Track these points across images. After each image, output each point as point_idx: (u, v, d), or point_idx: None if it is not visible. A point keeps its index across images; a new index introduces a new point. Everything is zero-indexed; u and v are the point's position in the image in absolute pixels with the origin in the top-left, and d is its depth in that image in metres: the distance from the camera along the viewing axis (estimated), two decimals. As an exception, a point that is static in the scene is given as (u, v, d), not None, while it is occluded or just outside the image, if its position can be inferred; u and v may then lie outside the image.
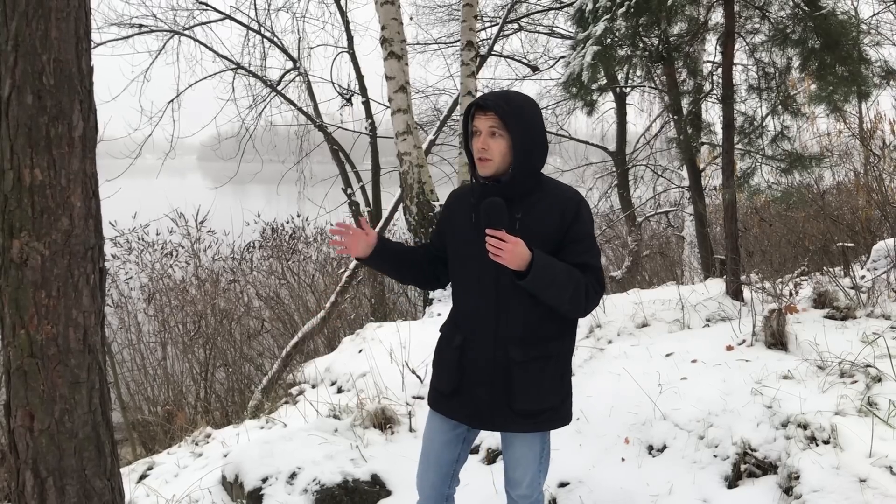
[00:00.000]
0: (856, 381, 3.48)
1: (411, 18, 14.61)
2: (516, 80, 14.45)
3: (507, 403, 2.32)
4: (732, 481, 3.15)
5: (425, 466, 2.54)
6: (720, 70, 5.93)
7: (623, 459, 3.50)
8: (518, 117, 2.24)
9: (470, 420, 2.40)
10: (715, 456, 3.27)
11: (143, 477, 4.36)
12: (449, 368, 2.41)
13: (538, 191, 2.32)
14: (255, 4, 12.69)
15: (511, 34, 14.24)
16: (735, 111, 5.80)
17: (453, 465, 2.54)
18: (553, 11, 13.98)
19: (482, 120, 2.26)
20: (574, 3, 6.50)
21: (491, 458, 3.76)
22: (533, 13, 14.09)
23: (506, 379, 2.31)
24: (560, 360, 2.38)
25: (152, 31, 11.83)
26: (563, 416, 2.42)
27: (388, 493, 3.60)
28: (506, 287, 2.27)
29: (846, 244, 6.64)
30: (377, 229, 10.39)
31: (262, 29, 12.79)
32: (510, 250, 2.13)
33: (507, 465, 2.51)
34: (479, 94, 10.24)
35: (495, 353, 2.31)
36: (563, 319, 2.34)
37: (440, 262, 2.52)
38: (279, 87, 13.02)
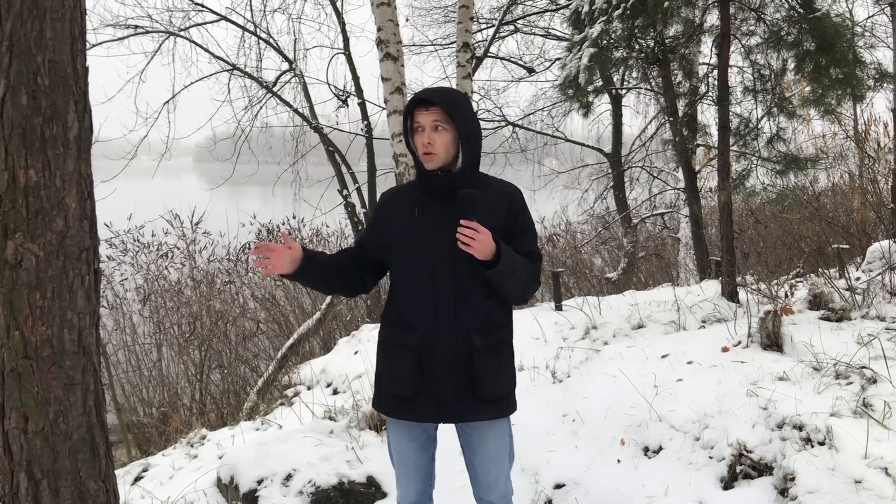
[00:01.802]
0: (851, 383, 3.49)
1: (407, 20, 14.58)
2: (512, 81, 14.46)
3: (472, 392, 2.33)
4: (728, 483, 3.15)
5: (406, 477, 2.52)
6: (716, 72, 5.94)
7: (619, 461, 3.51)
8: (460, 109, 2.30)
9: (436, 417, 2.39)
10: (710, 457, 3.27)
11: (137, 479, 4.34)
12: (407, 371, 2.36)
13: (481, 183, 2.37)
14: (250, 6, 12.65)
15: (507, 36, 14.25)
16: (731, 113, 5.81)
17: (430, 465, 2.56)
18: (549, 13, 13.99)
19: (425, 115, 2.30)
20: (570, 5, 6.51)
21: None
22: (529, 15, 14.09)
23: (469, 368, 2.33)
24: (509, 346, 2.45)
25: (148, 32, 11.81)
26: (514, 402, 2.48)
27: (383, 495, 3.59)
28: (463, 277, 2.31)
29: (841, 246, 6.65)
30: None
31: (258, 30, 12.77)
32: (483, 241, 2.19)
33: (479, 471, 2.48)
34: (474, 96, 10.23)
35: (457, 343, 2.32)
36: (508, 306, 2.45)
37: (369, 265, 2.48)
38: (275, 89, 12.99)
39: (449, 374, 2.33)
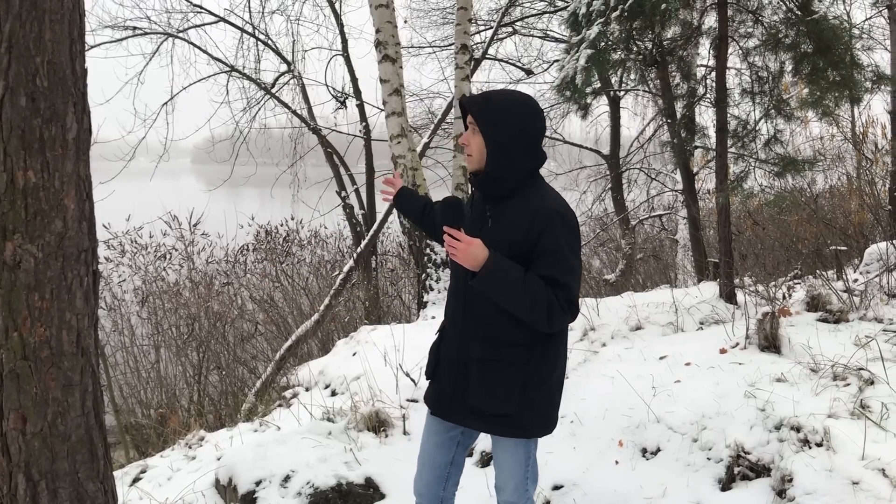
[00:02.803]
0: (848, 384, 3.49)
1: (406, 22, 14.61)
2: (510, 83, 14.48)
3: (462, 397, 2.37)
4: (726, 484, 3.16)
5: (420, 468, 2.60)
6: (714, 74, 5.95)
7: (617, 462, 3.51)
8: (489, 114, 2.28)
9: (434, 407, 2.49)
10: (708, 458, 3.28)
11: (136, 480, 4.34)
12: (433, 351, 2.54)
13: (521, 194, 2.30)
14: (249, 7, 12.69)
15: (505, 38, 14.28)
16: (728, 115, 5.82)
17: (447, 468, 2.57)
18: (547, 15, 14.03)
19: (469, 116, 2.37)
20: (568, 6, 6.52)
21: (485, 462, 3.76)
22: (527, 17, 14.13)
23: (465, 373, 2.36)
24: (523, 371, 2.30)
25: (146, 33, 11.82)
26: (522, 426, 2.35)
27: (381, 497, 3.59)
28: (472, 286, 2.31)
29: (839, 247, 6.66)
30: (371, 233, 10.41)
31: (257, 32, 12.79)
32: (463, 250, 2.20)
33: (495, 471, 2.55)
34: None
35: (460, 346, 2.38)
36: (531, 330, 2.27)
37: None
38: (273, 90, 13.01)
39: (451, 371, 2.41)
